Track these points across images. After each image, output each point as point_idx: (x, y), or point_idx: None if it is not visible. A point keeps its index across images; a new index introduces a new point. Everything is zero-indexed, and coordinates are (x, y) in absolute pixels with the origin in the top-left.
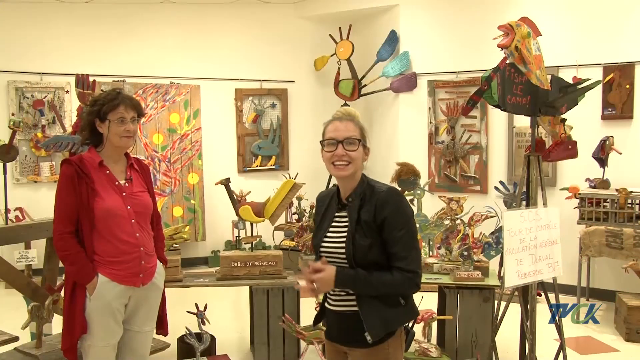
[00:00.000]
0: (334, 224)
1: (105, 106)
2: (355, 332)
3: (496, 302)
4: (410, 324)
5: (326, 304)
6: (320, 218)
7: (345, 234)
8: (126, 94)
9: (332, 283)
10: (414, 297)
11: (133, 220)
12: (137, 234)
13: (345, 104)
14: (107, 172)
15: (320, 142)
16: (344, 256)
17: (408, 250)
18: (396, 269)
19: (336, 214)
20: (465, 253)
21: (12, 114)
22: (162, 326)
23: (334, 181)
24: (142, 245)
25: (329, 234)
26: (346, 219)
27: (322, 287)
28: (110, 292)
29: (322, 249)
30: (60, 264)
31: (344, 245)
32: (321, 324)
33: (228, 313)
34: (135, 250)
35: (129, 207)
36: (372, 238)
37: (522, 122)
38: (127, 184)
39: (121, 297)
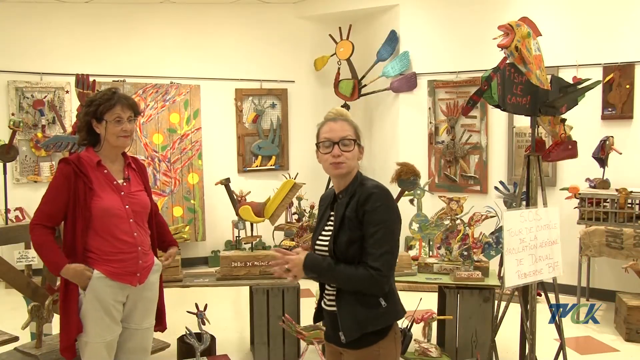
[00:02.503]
0: (328, 222)
1: (102, 106)
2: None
3: (496, 302)
4: (408, 327)
5: (322, 303)
6: (320, 217)
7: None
8: (122, 93)
9: (301, 266)
10: (399, 297)
11: (131, 220)
12: (135, 234)
13: (346, 104)
14: (105, 171)
15: (315, 144)
16: (327, 253)
17: (377, 247)
18: (362, 264)
19: (330, 213)
20: (465, 253)
21: (12, 114)
22: (160, 323)
23: None
24: (139, 245)
25: (323, 233)
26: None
27: (293, 270)
28: (104, 289)
29: (316, 248)
30: None
31: (328, 242)
32: (321, 323)
33: (228, 313)
34: (133, 249)
35: (127, 206)
36: (351, 234)
37: (522, 122)
38: (125, 184)
39: (118, 295)
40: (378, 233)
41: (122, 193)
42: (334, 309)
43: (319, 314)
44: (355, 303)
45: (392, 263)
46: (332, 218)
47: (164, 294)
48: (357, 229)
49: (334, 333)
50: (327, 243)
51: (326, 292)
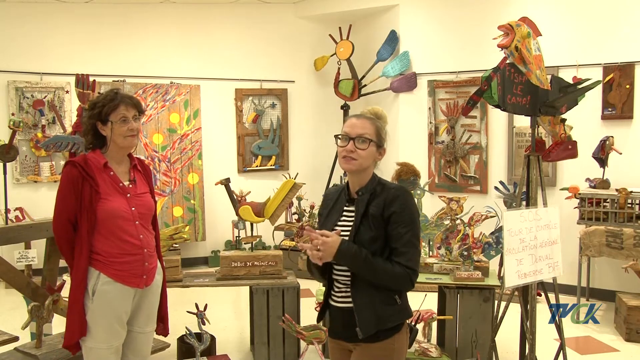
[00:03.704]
0: (342, 217)
1: (106, 107)
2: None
3: (496, 302)
4: (414, 322)
5: (330, 301)
6: (327, 212)
7: (351, 227)
8: (124, 92)
9: (334, 251)
10: (408, 297)
11: (137, 222)
12: (141, 236)
13: (346, 104)
14: (111, 173)
15: (335, 135)
16: None
17: (410, 247)
18: (396, 263)
19: (345, 208)
20: (465, 253)
21: (12, 114)
22: (163, 327)
23: (334, 181)
24: (145, 247)
25: (337, 227)
26: (354, 213)
27: (324, 253)
28: (113, 293)
29: None
30: (61, 264)
31: (348, 236)
32: (321, 323)
33: (228, 313)
34: (139, 252)
35: (133, 208)
36: (376, 231)
37: (522, 122)
38: (131, 185)
39: (127, 299)
40: (408, 234)
41: (128, 195)
42: (347, 305)
43: (324, 312)
44: (374, 300)
45: (419, 261)
46: (345, 213)
47: (167, 298)
48: (380, 227)
49: (345, 329)
50: (345, 237)
51: (335, 288)
